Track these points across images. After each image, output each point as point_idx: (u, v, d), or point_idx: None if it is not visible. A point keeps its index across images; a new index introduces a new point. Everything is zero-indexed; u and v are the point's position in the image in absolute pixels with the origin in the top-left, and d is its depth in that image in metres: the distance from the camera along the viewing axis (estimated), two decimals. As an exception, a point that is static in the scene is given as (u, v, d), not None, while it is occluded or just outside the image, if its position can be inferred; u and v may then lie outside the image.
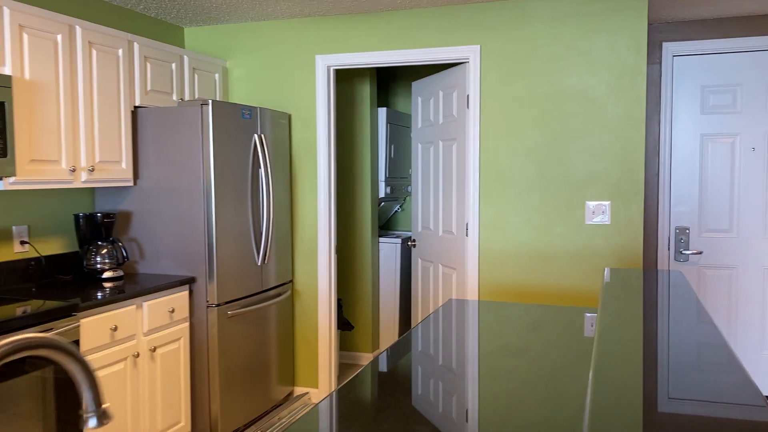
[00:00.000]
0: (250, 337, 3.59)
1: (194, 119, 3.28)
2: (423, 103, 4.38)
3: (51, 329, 2.44)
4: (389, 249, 5.05)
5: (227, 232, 3.38)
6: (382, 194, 5.08)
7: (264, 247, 3.68)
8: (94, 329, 2.68)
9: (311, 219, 4.04)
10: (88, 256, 3.21)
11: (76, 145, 2.97)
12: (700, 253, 4.13)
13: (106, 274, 3.21)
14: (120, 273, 3.26)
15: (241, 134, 3.49)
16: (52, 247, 3.25)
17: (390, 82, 5.73)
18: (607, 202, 3.48)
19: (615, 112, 3.45)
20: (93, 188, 3.50)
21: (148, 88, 3.43)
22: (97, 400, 0.70)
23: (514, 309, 2.47)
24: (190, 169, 3.30)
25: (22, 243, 3.09)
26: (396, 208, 5.66)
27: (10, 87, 2.55)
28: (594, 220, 3.50)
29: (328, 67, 3.95)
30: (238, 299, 3.48)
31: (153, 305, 3.02)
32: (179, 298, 3.21)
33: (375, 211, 4.94)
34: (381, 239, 5.09)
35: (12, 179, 2.64)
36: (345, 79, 4.85)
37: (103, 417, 0.71)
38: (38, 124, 2.76)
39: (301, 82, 4.01)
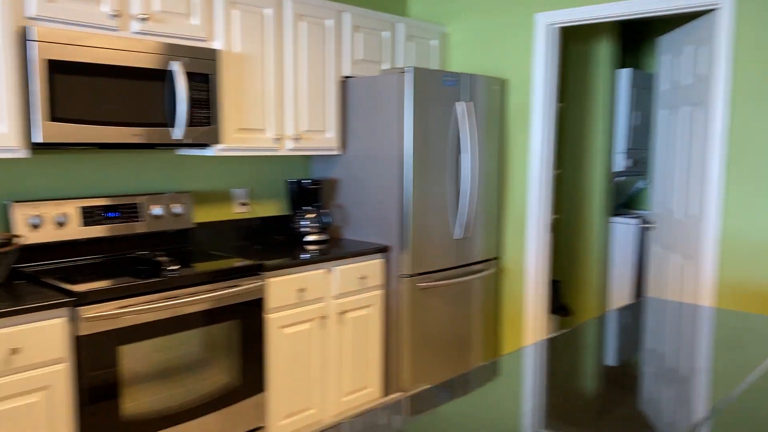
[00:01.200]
0: (445, 311, 3.49)
1: (393, 87, 3.23)
2: (668, 62, 3.72)
3: (236, 286, 2.63)
4: (624, 230, 4.48)
5: (423, 203, 3.29)
6: (620, 167, 4.50)
7: (463, 220, 3.52)
8: (281, 289, 2.83)
9: (521, 193, 3.75)
10: (296, 219, 3.42)
11: (281, 115, 3.14)
12: None
13: (310, 237, 3.38)
14: (324, 237, 3.41)
15: (443, 102, 3.35)
16: (268, 209, 3.53)
17: (638, 41, 5.01)
18: None
19: None
20: (309, 156, 3.70)
21: (358, 57, 3.47)
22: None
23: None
24: (388, 138, 3.28)
25: (242, 204, 3.40)
26: (640, 184, 4.98)
27: (215, 60, 2.77)
28: None
29: (548, 25, 3.57)
30: (431, 272, 3.39)
31: (344, 270, 3.09)
32: (372, 265, 3.24)
33: (607, 187, 4.41)
34: (616, 219, 4.53)
35: (221, 146, 2.90)
36: (576, 38, 4.37)
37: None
38: (245, 94, 2.97)
39: (517, 45, 3.70)
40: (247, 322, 2.69)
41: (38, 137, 2.28)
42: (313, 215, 3.41)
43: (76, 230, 2.68)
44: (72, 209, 2.67)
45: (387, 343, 3.37)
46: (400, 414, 1.29)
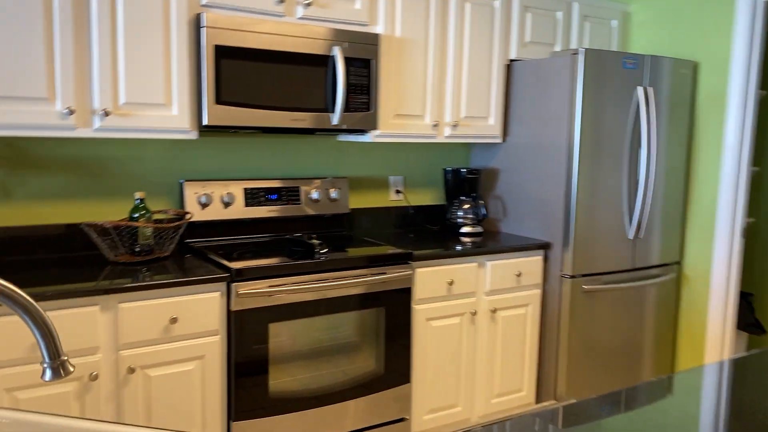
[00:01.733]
0: (612, 318, 3.18)
1: (563, 71, 2.98)
2: None
3: (384, 273, 2.58)
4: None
5: (592, 198, 3.01)
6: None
7: (639, 218, 3.17)
8: (429, 280, 2.74)
9: (710, 191, 3.30)
10: (451, 210, 3.31)
11: (441, 101, 3.04)
12: None
13: (464, 229, 3.25)
14: (478, 229, 3.26)
15: (621, 87, 3.03)
16: (423, 198, 3.45)
17: None
18: None
19: None
20: (469, 144, 3.57)
21: (527, 39, 3.26)
22: (53, 351, 0.64)
23: None
24: (555, 126, 3.04)
25: (397, 192, 3.36)
26: None
27: (377, 45, 2.74)
28: None
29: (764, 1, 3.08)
30: (598, 273, 3.10)
31: (497, 266, 2.93)
32: (529, 262, 3.04)
33: (822, 188, 3.75)
34: (830, 226, 3.85)
35: (377, 132, 2.87)
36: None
37: (60, 369, 0.65)
38: (404, 80, 2.91)
39: (713, 22, 3.24)
40: (393, 311, 2.64)
41: (206, 120, 2.39)
42: (469, 206, 3.28)
43: (240, 210, 2.80)
44: (237, 190, 2.80)
45: (543, 346, 3.14)
46: (555, 423, 1.13)
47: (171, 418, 2.19)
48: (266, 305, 2.33)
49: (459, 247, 2.87)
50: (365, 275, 2.54)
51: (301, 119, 2.59)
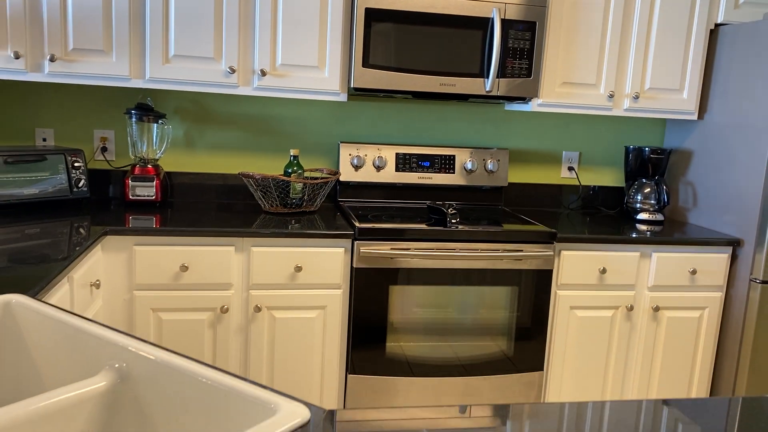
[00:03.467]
0: (819, 341, 2.59)
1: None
2: None
3: (519, 251, 2.43)
4: None
5: (800, 191, 2.47)
6: None
7: None
8: (576, 265, 2.50)
9: None
10: (629, 193, 2.97)
11: (621, 69, 2.72)
12: None
13: (641, 216, 2.90)
14: (658, 217, 2.88)
15: None
16: (601, 178, 3.15)
17: None
18: None
19: None
20: (664, 120, 3.15)
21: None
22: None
23: None
24: (760, 102, 2.54)
25: (570, 169, 3.11)
26: None
27: (545, 6, 2.54)
28: None
29: None
30: (803, 284, 2.55)
31: (665, 259, 2.57)
32: (710, 259, 2.61)
33: None
34: None
35: (539, 101, 2.68)
36: None
37: None
38: (576, 45, 2.66)
39: None
40: (530, 292, 2.47)
41: (354, 82, 2.46)
42: (649, 190, 2.90)
43: (391, 174, 2.84)
44: (389, 154, 2.84)
45: (719, 360, 2.69)
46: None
47: (292, 359, 2.35)
48: (387, 267, 2.35)
49: (619, 234, 2.57)
50: (497, 250, 2.41)
51: (450, 84, 2.52)
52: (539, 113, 3.05)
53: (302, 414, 0.92)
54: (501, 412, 1.00)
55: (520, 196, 3.08)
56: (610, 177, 3.16)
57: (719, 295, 2.65)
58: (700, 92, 2.82)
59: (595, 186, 3.13)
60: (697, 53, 2.77)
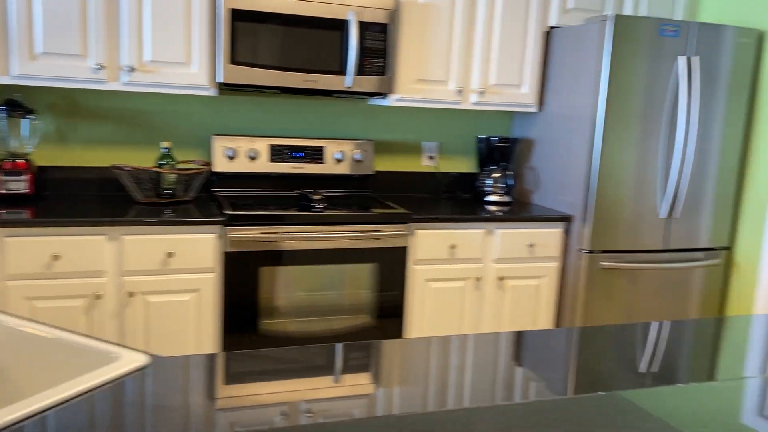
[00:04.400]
0: (638, 299, 3.04)
1: (592, 38, 2.87)
2: None
3: (377, 231, 2.70)
4: None
5: (616, 172, 2.89)
6: None
7: (673, 197, 2.98)
8: (429, 242, 2.80)
9: (765, 171, 3.01)
10: (480, 178, 3.31)
11: (467, 67, 3.05)
12: None
13: (490, 197, 3.25)
14: (505, 198, 3.25)
15: (660, 56, 2.85)
16: (458, 165, 3.48)
17: None
18: None
19: None
20: (511, 112, 3.52)
21: (569, 6, 3.15)
22: None
23: None
24: (584, 95, 2.94)
25: (430, 157, 3.42)
26: None
27: (395, 9, 2.81)
28: None
29: (828, -43, 2.74)
30: (621, 251, 2.98)
31: (508, 234, 2.92)
32: (546, 234, 2.99)
33: None
34: None
35: (396, 96, 2.95)
36: None
37: None
38: (427, 45, 2.95)
39: (785, -15, 2.92)
40: (388, 268, 2.75)
41: (220, 78, 2.63)
42: (499, 175, 3.26)
43: (264, 165, 3.03)
44: (262, 146, 3.03)
45: (558, 321, 3.09)
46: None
47: (168, 341, 2.50)
48: (257, 250, 2.55)
49: (467, 214, 2.90)
50: (357, 231, 2.67)
51: (313, 81, 2.74)
52: (399, 107, 3.33)
53: (141, 360, 1.12)
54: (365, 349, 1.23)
55: (387, 183, 3.35)
56: (466, 164, 3.50)
57: (556, 265, 3.04)
58: (539, 87, 3.20)
59: (453, 173, 3.47)
60: (535, 53, 3.14)
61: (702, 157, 3.00)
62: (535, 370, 1.18)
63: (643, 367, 1.21)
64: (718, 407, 1.01)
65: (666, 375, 1.17)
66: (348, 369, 1.15)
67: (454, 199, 3.31)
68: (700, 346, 1.34)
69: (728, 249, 3.18)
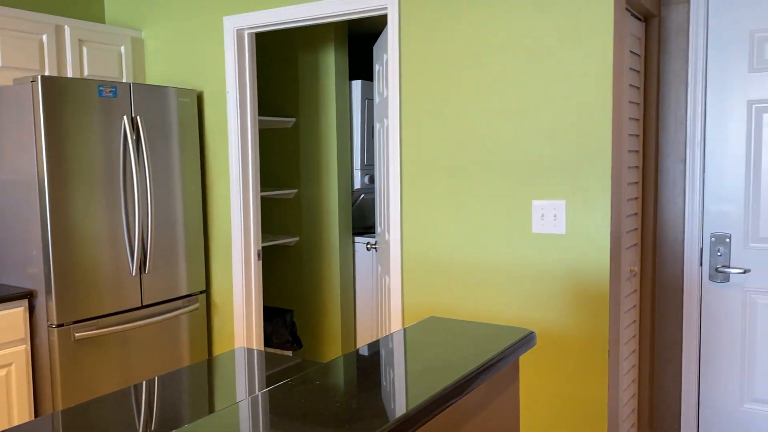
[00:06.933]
0: (124, 361, 2.97)
1: (23, 99, 2.69)
2: (377, 72, 3.49)
3: None
4: (362, 251, 4.21)
5: (75, 237, 2.76)
6: (358, 185, 4.24)
7: (140, 254, 3.03)
8: None
9: (224, 218, 3.34)
10: None
11: None
12: (747, 271, 2.89)
13: (-69, 286, 2.73)
14: (-48, 283, 2.77)
15: (102, 116, 2.85)
16: None
17: (369, 51, 4.83)
18: (561, 202, 2.42)
19: (568, 69, 2.37)
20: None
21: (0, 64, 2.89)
22: None
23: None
24: (26, 160, 2.73)
25: None
26: (392, 201, 4.77)
27: None
28: (542, 228, 2.46)
29: (236, 30, 3.19)
30: (97, 317, 2.87)
31: (-47, 327, 2.48)
32: (7, 315, 2.66)
33: (347, 206, 4.13)
34: (358, 239, 4.26)
35: None
36: (306, 48, 4.06)
37: None
38: None
39: (210, 52, 3.29)
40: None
41: None
42: (-62, 257, 2.77)
43: None
44: None
45: (38, 403, 2.79)
46: None
47: None
48: None
49: None
50: None
51: None
52: None
53: None
54: None
55: None
56: None
57: (24, 348, 2.73)
58: (-26, 153, 2.84)
59: None
60: (-38, 115, 2.77)
61: (165, 210, 3.13)
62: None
63: (142, 425, 1.24)
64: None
65: (169, 422, 1.25)
66: None
67: None
68: (196, 388, 1.48)
69: (205, 292, 3.41)
